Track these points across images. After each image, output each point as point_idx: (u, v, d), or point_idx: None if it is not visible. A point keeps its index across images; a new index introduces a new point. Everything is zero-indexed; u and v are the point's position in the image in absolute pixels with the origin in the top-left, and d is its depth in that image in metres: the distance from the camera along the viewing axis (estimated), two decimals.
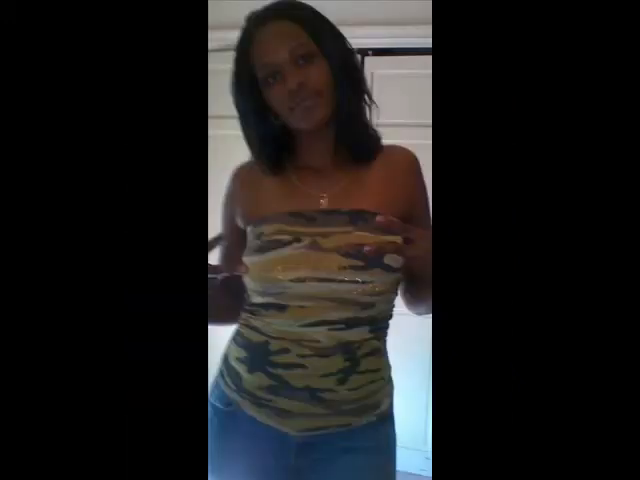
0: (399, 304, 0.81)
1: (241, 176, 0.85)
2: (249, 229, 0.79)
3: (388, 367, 0.81)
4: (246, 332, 0.78)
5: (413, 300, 0.82)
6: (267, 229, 0.75)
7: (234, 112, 0.77)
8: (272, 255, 0.72)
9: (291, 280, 0.70)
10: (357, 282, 0.70)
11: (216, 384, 0.83)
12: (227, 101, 0.77)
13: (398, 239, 0.67)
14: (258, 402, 0.75)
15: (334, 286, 0.70)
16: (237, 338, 0.81)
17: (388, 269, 0.70)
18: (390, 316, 0.79)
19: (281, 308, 0.72)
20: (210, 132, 0.75)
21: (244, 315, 0.80)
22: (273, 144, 0.78)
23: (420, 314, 0.83)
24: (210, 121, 0.70)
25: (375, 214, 0.62)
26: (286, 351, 0.72)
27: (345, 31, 0.75)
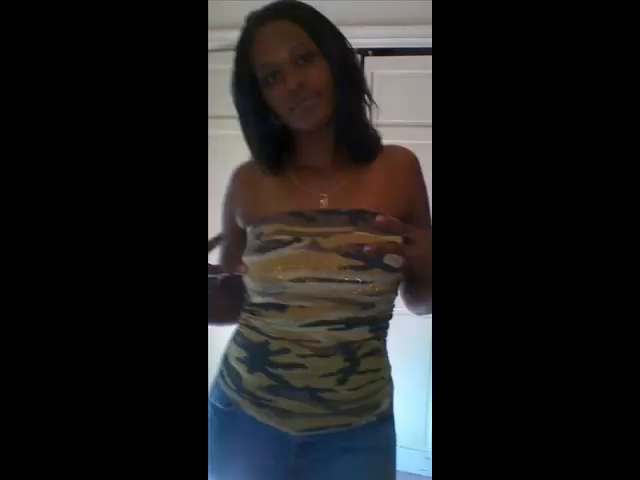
0: (399, 304, 0.81)
1: (241, 176, 0.85)
2: (249, 229, 0.79)
3: (388, 367, 0.81)
4: (246, 332, 0.78)
5: (413, 300, 0.82)
6: (267, 229, 0.75)
7: (234, 112, 0.77)
8: (272, 255, 0.72)
9: (291, 280, 0.70)
10: (357, 282, 0.70)
11: (216, 384, 0.83)
12: (227, 101, 0.77)
13: (398, 239, 0.67)
14: (258, 402, 0.75)
15: (334, 286, 0.70)
16: (237, 338, 0.81)
17: (388, 269, 0.70)
18: (390, 316, 0.79)
19: (281, 308, 0.72)
20: (210, 132, 0.75)
21: (244, 315, 0.80)
22: (273, 144, 0.78)
23: (420, 314, 0.83)
24: (210, 121, 0.70)
25: (375, 214, 0.62)
26: (286, 351, 0.72)
27: (345, 31, 0.75)
